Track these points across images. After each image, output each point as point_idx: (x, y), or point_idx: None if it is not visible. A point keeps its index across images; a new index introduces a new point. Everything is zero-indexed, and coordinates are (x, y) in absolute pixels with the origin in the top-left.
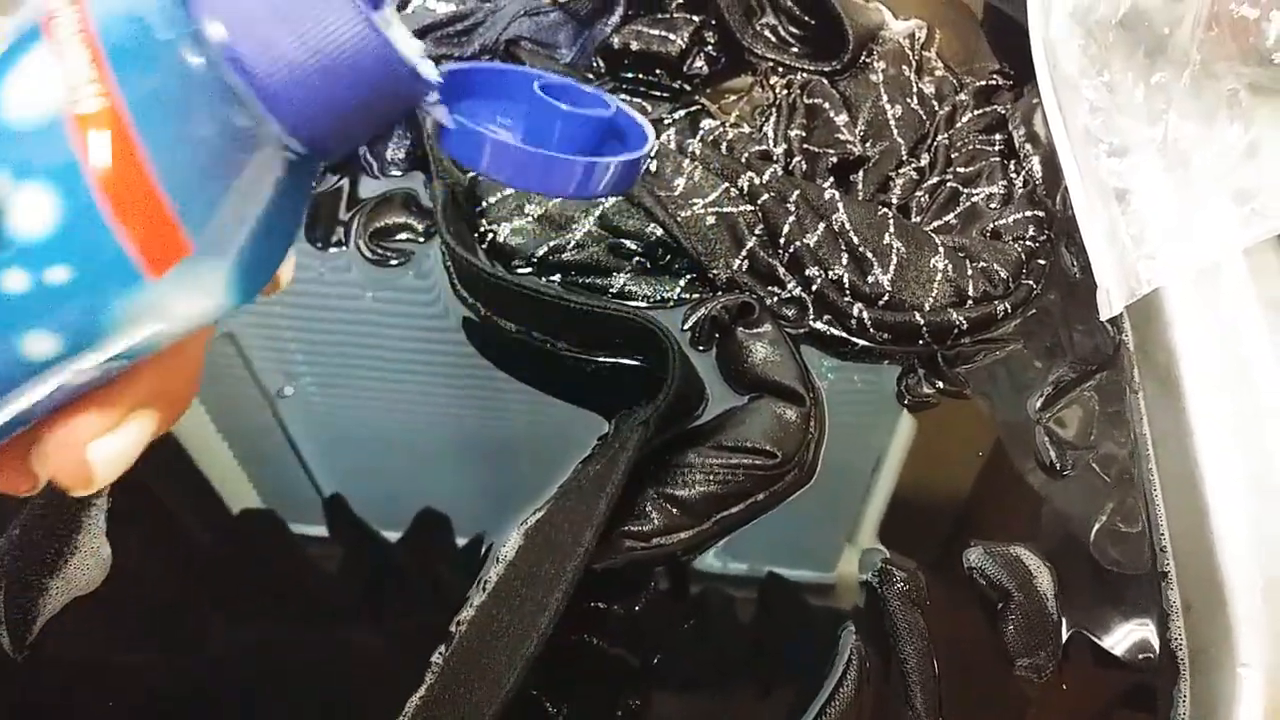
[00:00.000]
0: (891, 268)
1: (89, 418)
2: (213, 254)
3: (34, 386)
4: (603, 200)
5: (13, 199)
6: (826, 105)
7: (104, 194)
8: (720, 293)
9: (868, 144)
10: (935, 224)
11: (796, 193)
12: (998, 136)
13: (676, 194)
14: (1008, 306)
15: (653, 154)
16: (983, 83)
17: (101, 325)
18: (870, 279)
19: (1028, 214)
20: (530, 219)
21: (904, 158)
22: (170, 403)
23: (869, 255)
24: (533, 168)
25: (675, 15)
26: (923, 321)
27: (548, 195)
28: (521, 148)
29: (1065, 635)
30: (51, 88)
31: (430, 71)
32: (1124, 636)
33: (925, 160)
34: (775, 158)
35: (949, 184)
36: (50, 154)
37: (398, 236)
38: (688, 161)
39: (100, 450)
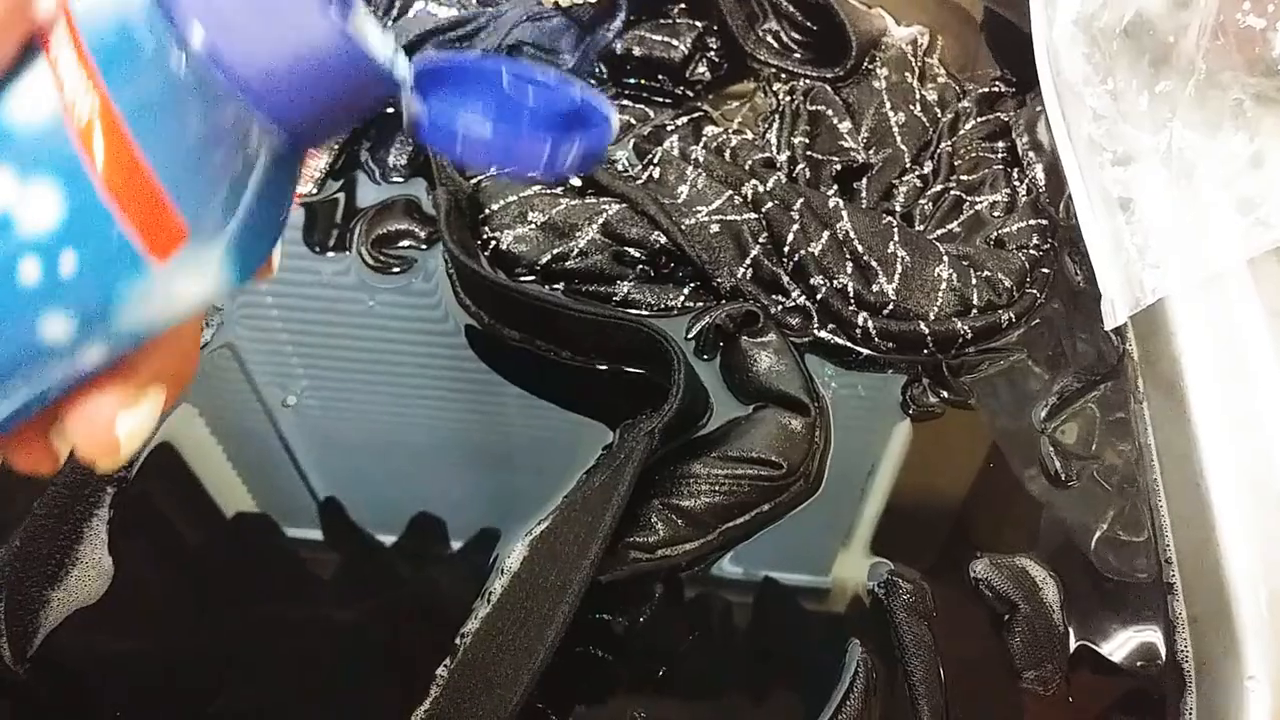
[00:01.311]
0: (896, 277)
1: (110, 395)
2: (208, 239)
3: (52, 368)
4: (606, 208)
5: (23, 195)
6: (830, 112)
7: (105, 188)
8: (724, 301)
9: (871, 151)
10: (939, 232)
11: (800, 201)
12: (1001, 144)
13: (680, 201)
14: (1012, 316)
15: (656, 161)
16: (985, 89)
17: (111, 308)
18: (875, 288)
19: (1031, 222)
20: (533, 226)
21: (907, 165)
22: (175, 379)
23: (874, 264)
24: (504, 147)
25: (678, 21)
26: (927, 331)
27: (518, 173)
28: (492, 129)
29: (1071, 647)
30: (50, 94)
31: (402, 66)
32: (1130, 648)
33: (928, 168)
34: (779, 165)
35: (952, 192)
36: (54, 154)
37: (400, 244)
38: (691, 169)
39: (124, 424)
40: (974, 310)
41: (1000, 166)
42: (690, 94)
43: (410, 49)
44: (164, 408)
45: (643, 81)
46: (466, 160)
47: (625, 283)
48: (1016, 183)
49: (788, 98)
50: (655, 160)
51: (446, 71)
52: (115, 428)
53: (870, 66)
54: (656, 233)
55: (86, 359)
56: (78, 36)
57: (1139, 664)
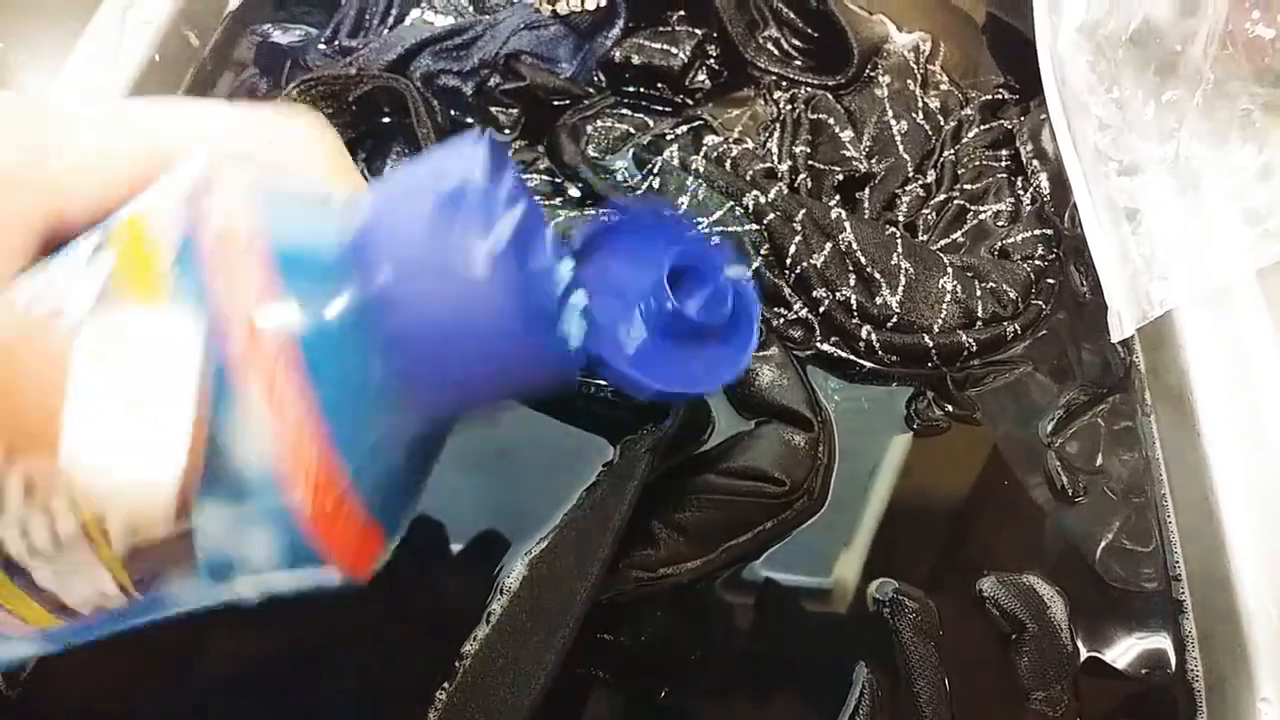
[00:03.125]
0: (900, 289)
1: None
2: (393, 539)
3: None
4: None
5: (239, 535)
6: (831, 121)
7: (314, 534)
8: None
9: (873, 160)
10: (943, 242)
11: (803, 212)
12: (1004, 152)
13: (680, 212)
14: (1017, 328)
15: (655, 171)
16: (988, 97)
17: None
18: (878, 300)
19: (1036, 232)
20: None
21: (910, 174)
22: None
23: (877, 276)
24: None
25: (677, 29)
26: (932, 343)
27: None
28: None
29: (1080, 666)
30: (268, 439)
31: (575, 336)
32: (1139, 667)
33: (931, 177)
34: (780, 175)
35: (956, 201)
36: (269, 501)
37: None
38: (691, 179)
39: None
40: (979, 322)
41: (1004, 175)
42: (690, 102)
43: (407, 58)
44: None
45: (642, 90)
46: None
47: None
48: (1021, 191)
49: (788, 106)
50: (655, 170)
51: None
52: None
53: (872, 74)
54: None
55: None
56: (299, 369)
57: (1149, 684)
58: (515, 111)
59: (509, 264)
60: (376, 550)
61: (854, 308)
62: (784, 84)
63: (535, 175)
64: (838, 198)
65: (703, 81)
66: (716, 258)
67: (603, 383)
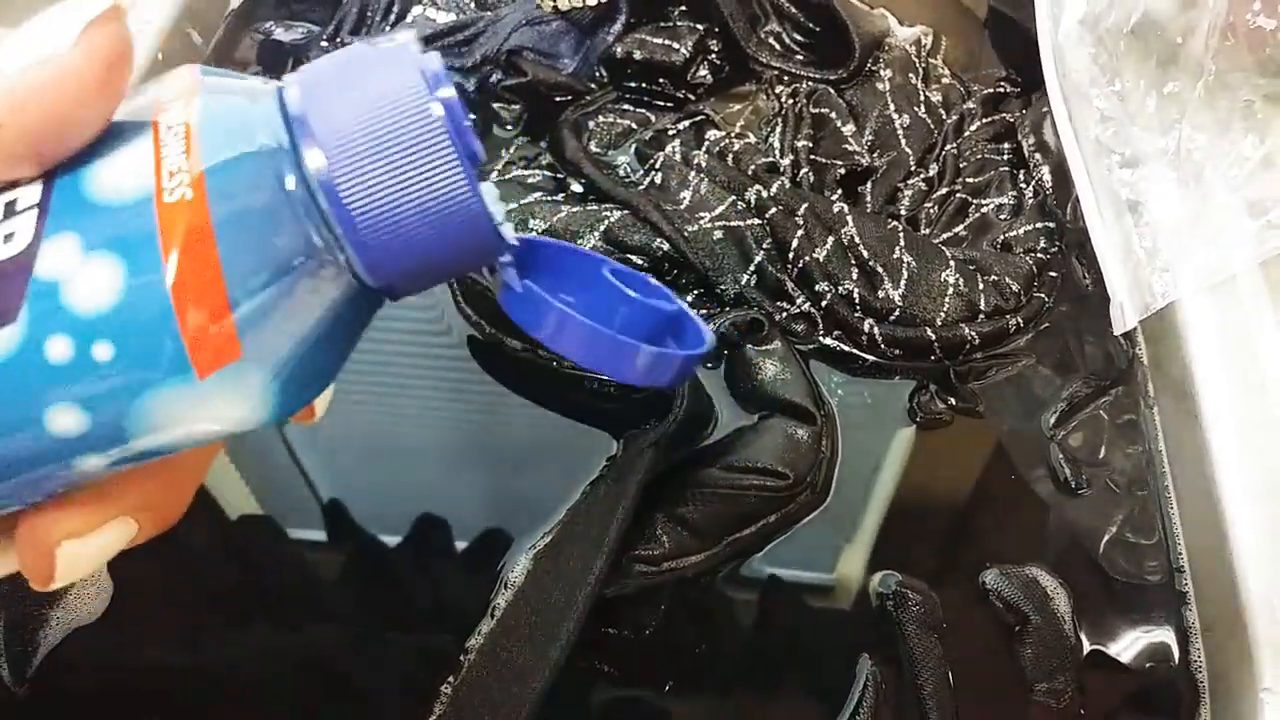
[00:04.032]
0: (902, 282)
1: (69, 515)
2: (259, 364)
3: (44, 464)
4: (608, 215)
5: (81, 268)
6: (833, 115)
7: (172, 283)
8: (728, 308)
9: (875, 154)
10: (945, 235)
11: (805, 206)
12: (1006, 145)
13: (683, 207)
14: (1020, 320)
15: (658, 166)
16: (990, 90)
17: (132, 414)
18: (881, 294)
19: (1038, 225)
20: (535, 234)
21: (912, 168)
22: (156, 516)
23: (879, 269)
24: (599, 345)
25: (679, 24)
26: (934, 337)
27: (603, 374)
28: (590, 324)
29: (1084, 657)
30: (145, 173)
31: (509, 235)
32: (1142, 659)
33: (934, 170)
34: (782, 169)
35: (958, 194)
36: (128, 235)
37: None
38: (693, 174)
39: (68, 551)
40: (981, 315)
41: (1006, 168)
42: (692, 97)
43: None
44: (134, 542)
45: (643, 85)
46: (552, 346)
47: None
48: (1023, 184)
49: (790, 100)
50: (657, 165)
51: (542, 250)
52: (55, 553)
53: (874, 68)
54: (659, 239)
55: (83, 467)
56: (194, 120)
57: (1152, 676)
58: (517, 107)
59: (453, 132)
60: (227, 345)
61: (856, 301)
62: (786, 78)
63: (537, 171)
64: (840, 192)
65: (704, 76)
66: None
67: (605, 377)
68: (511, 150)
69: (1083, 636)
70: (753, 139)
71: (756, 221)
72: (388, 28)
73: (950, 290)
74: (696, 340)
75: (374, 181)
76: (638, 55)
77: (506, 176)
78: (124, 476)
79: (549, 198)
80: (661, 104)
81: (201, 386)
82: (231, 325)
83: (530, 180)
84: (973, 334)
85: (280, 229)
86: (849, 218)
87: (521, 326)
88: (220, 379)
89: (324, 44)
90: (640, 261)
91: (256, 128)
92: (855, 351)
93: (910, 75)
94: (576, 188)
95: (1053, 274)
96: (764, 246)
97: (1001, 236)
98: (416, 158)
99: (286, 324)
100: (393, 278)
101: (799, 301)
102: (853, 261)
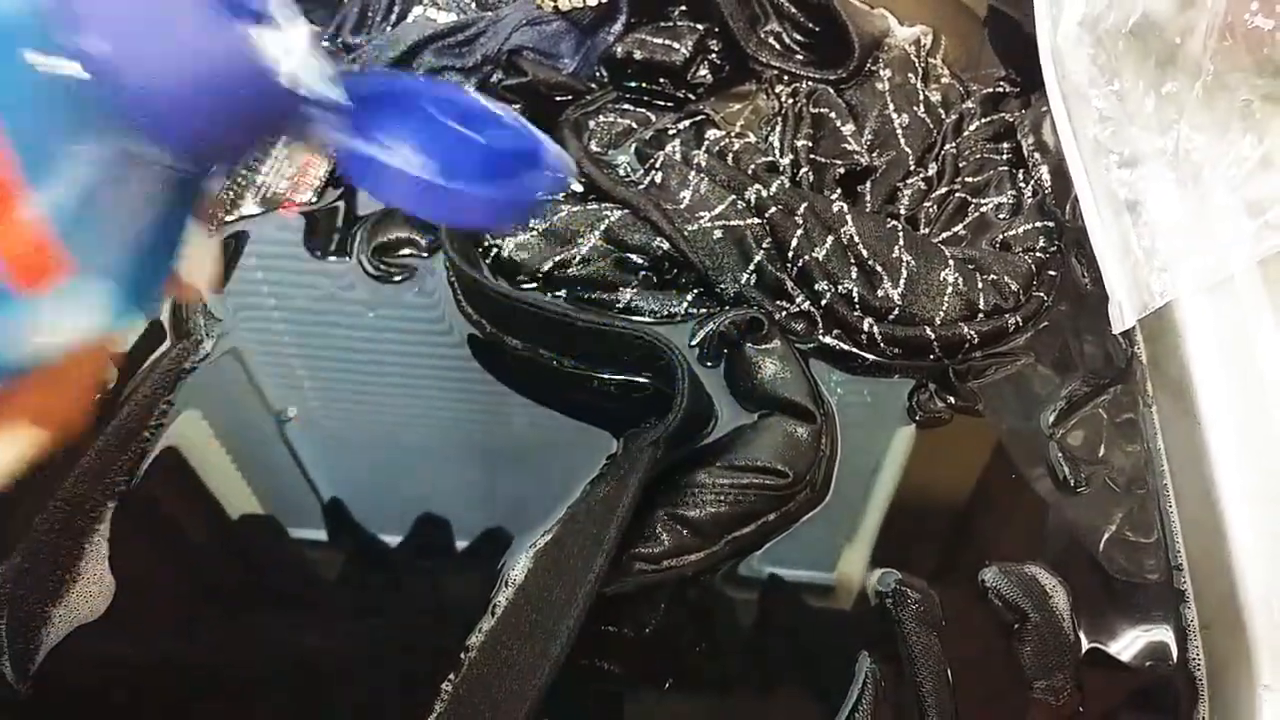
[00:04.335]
0: (901, 281)
1: None
2: (95, 273)
3: None
4: (608, 214)
5: None
6: (833, 114)
7: None
8: (728, 307)
9: (875, 154)
10: (944, 235)
11: (804, 205)
12: (1005, 145)
13: (683, 207)
14: (1019, 319)
15: (658, 165)
16: (989, 90)
17: None
18: (880, 293)
19: (1037, 224)
20: (535, 234)
21: (911, 167)
22: (54, 422)
23: (878, 269)
24: (425, 198)
25: (679, 24)
26: (933, 336)
27: (441, 223)
28: (410, 175)
29: (1082, 655)
30: None
31: (328, 93)
32: (1141, 656)
33: (933, 170)
34: (782, 169)
35: (957, 194)
36: None
37: (401, 252)
38: (693, 174)
39: None
40: (980, 314)
41: (1005, 168)
42: (692, 97)
43: (410, 54)
44: (40, 449)
45: (644, 85)
46: (385, 201)
47: (628, 289)
48: (1022, 184)
49: (790, 100)
50: (657, 165)
51: (389, 93)
52: None
53: (873, 68)
54: (659, 239)
55: None
56: None
57: (1151, 673)
58: (518, 107)
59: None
60: (55, 264)
61: (856, 300)
62: (785, 78)
63: None
64: (839, 191)
65: (704, 76)
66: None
67: (606, 375)
68: None
69: (1081, 634)
70: (752, 138)
71: (756, 221)
72: (389, 28)
73: (949, 289)
74: (544, 167)
75: (145, 53)
76: (638, 55)
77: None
78: (12, 390)
79: (550, 196)
80: (662, 104)
81: (41, 303)
82: (53, 243)
83: None
84: (972, 333)
85: (80, 135)
86: (848, 217)
87: (354, 184)
88: (58, 293)
89: (325, 44)
90: (640, 260)
91: (36, 35)
92: (855, 350)
93: (910, 75)
94: (577, 187)
95: (1051, 273)
96: (764, 246)
97: (1000, 236)
98: (184, 23)
99: (111, 227)
100: (199, 147)
101: (799, 300)
102: (852, 261)
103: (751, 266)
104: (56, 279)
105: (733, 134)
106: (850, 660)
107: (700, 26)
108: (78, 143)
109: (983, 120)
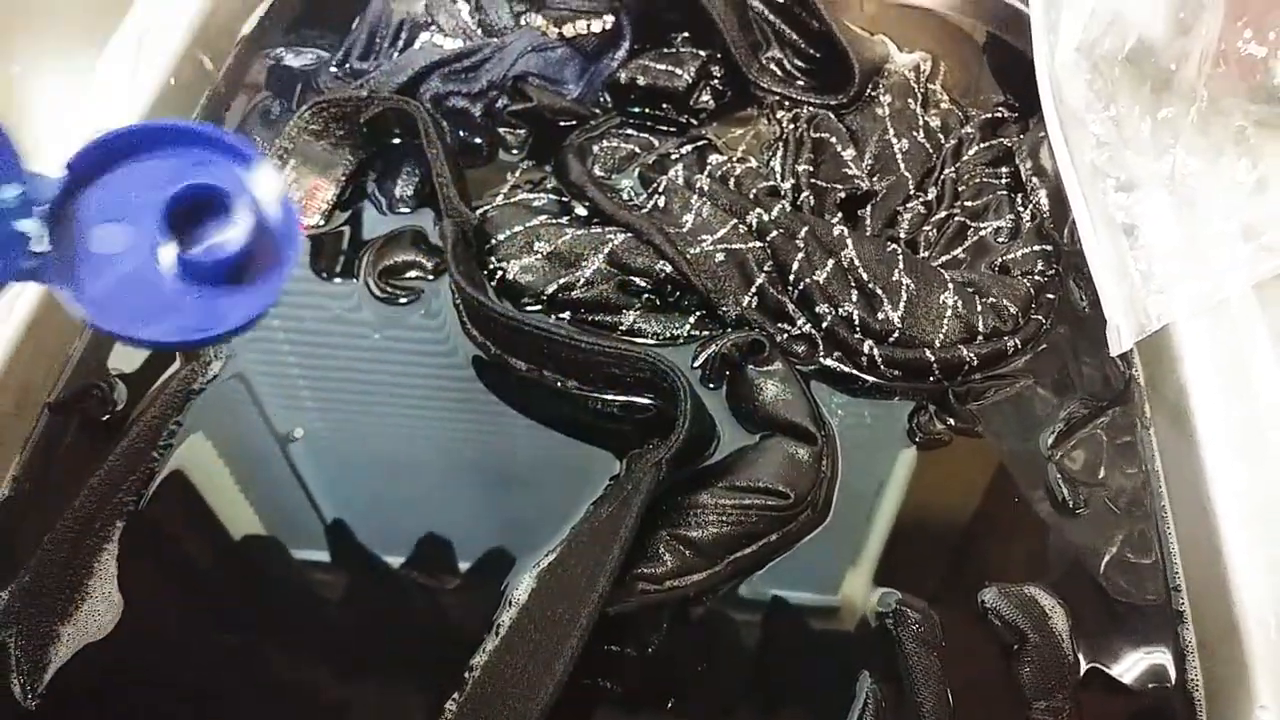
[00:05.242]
0: (901, 304)
1: None
2: None
3: None
4: (612, 238)
5: None
6: (833, 139)
7: None
8: (730, 330)
9: (875, 178)
10: (944, 258)
11: (805, 229)
12: (1004, 169)
13: (685, 230)
14: (1018, 342)
15: (661, 190)
16: (988, 115)
17: None
18: (880, 316)
19: (1036, 248)
20: (540, 256)
21: (911, 192)
22: None
23: (879, 292)
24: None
25: (682, 50)
26: (933, 358)
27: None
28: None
29: (1081, 676)
30: None
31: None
32: (1140, 677)
33: (932, 194)
34: (783, 193)
35: (956, 218)
36: None
37: (407, 274)
38: (696, 197)
39: None
40: (979, 337)
41: (1004, 192)
42: (694, 122)
43: (416, 80)
44: None
45: (647, 110)
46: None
47: (631, 312)
48: (1021, 208)
49: (791, 125)
50: (660, 189)
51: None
52: None
53: (873, 93)
54: (662, 262)
55: None
56: None
57: (1149, 693)
58: (523, 132)
59: None
60: None
61: (856, 323)
62: (787, 104)
63: (542, 194)
64: (840, 215)
65: (707, 102)
66: (237, 182)
67: (609, 397)
68: (517, 174)
69: (1080, 655)
70: (754, 163)
71: (758, 244)
72: (395, 54)
73: (949, 312)
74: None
75: None
76: (641, 81)
77: (513, 200)
78: None
79: (554, 220)
80: (664, 129)
81: None
82: None
83: (535, 204)
84: (971, 355)
85: None
86: (849, 240)
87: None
88: None
89: (333, 69)
90: (643, 283)
91: None
92: (855, 372)
93: (909, 100)
94: (581, 211)
95: (1050, 296)
96: (765, 269)
97: (999, 259)
98: None
99: None
100: None
101: (800, 323)
102: (852, 284)
103: (753, 289)
104: None
105: (735, 159)
106: (851, 680)
107: (703, 53)
108: None
109: (981, 145)
